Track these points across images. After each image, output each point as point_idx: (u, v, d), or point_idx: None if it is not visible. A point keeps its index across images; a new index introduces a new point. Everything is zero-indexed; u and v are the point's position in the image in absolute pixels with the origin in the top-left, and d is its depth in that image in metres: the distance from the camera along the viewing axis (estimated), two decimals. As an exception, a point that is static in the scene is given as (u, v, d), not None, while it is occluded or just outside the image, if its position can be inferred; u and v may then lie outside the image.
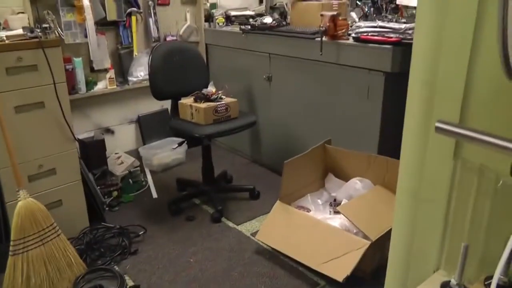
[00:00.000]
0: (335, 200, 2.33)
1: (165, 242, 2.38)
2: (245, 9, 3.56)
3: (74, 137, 2.29)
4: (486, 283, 0.80)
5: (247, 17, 3.38)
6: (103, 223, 2.47)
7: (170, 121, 2.67)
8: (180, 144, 3.03)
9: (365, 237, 1.91)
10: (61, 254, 1.99)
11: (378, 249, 1.92)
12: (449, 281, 0.81)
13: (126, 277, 2.09)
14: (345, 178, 2.39)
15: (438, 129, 0.78)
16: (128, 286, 2.02)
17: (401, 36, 2.15)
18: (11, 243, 1.85)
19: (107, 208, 2.69)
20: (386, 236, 1.83)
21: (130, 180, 2.95)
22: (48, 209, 1.97)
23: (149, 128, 3.36)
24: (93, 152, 2.77)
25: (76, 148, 2.35)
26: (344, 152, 2.40)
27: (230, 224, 2.56)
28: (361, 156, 2.32)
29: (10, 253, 1.86)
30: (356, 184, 2.27)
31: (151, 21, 3.17)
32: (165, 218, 2.62)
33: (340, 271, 1.86)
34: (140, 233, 2.43)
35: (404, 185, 1.02)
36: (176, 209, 2.67)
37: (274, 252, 2.22)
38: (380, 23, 2.27)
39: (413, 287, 0.86)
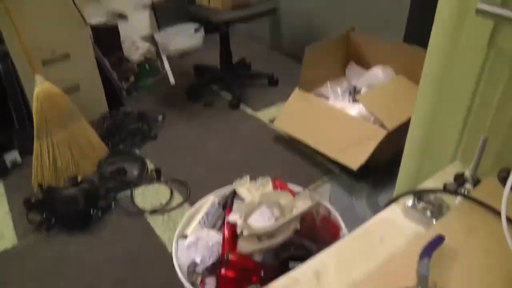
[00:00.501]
0: (355, 88, 2.28)
1: (184, 128, 2.42)
2: None
3: (85, 20, 2.21)
4: (500, 175, 0.80)
5: None
6: (122, 108, 2.50)
7: (187, 6, 2.54)
8: (197, 29, 2.93)
9: (383, 126, 1.89)
10: (83, 138, 2.05)
11: (394, 140, 1.91)
12: (463, 172, 0.81)
13: (147, 161, 2.17)
14: (367, 66, 2.32)
15: (479, 11, 0.71)
16: (149, 169, 2.11)
17: None
18: (35, 126, 1.91)
19: (124, 93, 2.70)
20: (403, 127, 1.82)
21: (146, 65, 2.92)
22: (67, 94, 1.98)
23: (164, 14, 3.22)
24: (106, 38, 2.70)
25: (89, 34, 2.29)
26: (368, 39, 2.28)
27: (248, 111, 2.57)
28: (385, 44, 2.20)
29: (35, 136, 1.92)
30: (378, 72, 2.20)
31: None
32: (183, 104, 2.64)
33: (355, 160, 1.89)
34: (159, 118, 2.47)
35: (429, 74, 0.97)
36: (194, 95, 2.67)
37: (291, 140, 2.25)
38: None
39: (427, 178, 0.86)
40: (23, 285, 1.57)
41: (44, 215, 1.80)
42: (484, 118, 0.85)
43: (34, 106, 1.87)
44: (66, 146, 2.00)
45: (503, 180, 0.78)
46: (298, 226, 1.00)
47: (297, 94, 2.21)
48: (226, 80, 2.75)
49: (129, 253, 1.67)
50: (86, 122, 2.08)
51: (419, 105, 1.00)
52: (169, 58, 3.11)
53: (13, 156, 2.14)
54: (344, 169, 1.98)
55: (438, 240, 0.65)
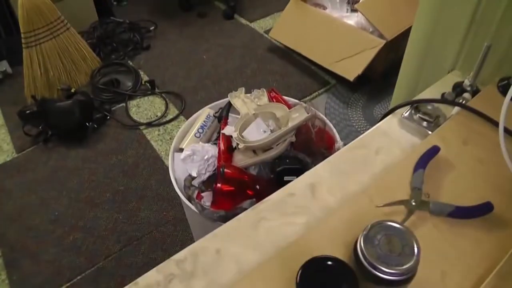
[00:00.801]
0: (354, -3, 2.18)
1: (177, 38, 2.35)
2: None
3: None
4: (499, 84, 0.78)
5: None
6: (112, 18, 2.40)
7: None
8: None
9: (381, 36, 1.84)
10: (73, 47, 1.99)
11: (392, 50, 1.87)
12: (463, 81, 0.79)
13: (141, 72, 2.13)
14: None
15: None
16: (143, 81, 2.08)
17: None
18: (22, 35, 1.84)
19: (115, 3, 2.59)
20: (402, 37, 1.77)
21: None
22: (53, 3, 1.89)
23: None
24: None
25: None
26: None
27: (243, 21, 2.48)
28: None
29: (23, 45, 1.86)
30: (379, -21, 2.09)
31: None
32: (176, 14, 2.54)
33: (351, 70, 1.86)
34: (151, 28, 2.38)
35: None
36: (187, 5, 2.55)
37: (287, 50, 2.20)
38: None
39: (425, 87, 0.84)
40: (25, 196, 1.62)
41: (41, 127, 1.80)
42: (489, 25, 0.82)
43: (20, 14, 1.80)
44: (56, 55, 1.95)
45: (503, 89, 0.77)
46: (294, 139, 1.00)
47: (293, 3, 2.12)
48: (219, -11, 2.62)
49: (127, 166, 1.70)
50: (76, 32, 2.01)
51: (421, 11, 0.95)
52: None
53: (2, 66, 2.09)
54: (341, 80, 1.96)
55: (433, 151, 0.65)
